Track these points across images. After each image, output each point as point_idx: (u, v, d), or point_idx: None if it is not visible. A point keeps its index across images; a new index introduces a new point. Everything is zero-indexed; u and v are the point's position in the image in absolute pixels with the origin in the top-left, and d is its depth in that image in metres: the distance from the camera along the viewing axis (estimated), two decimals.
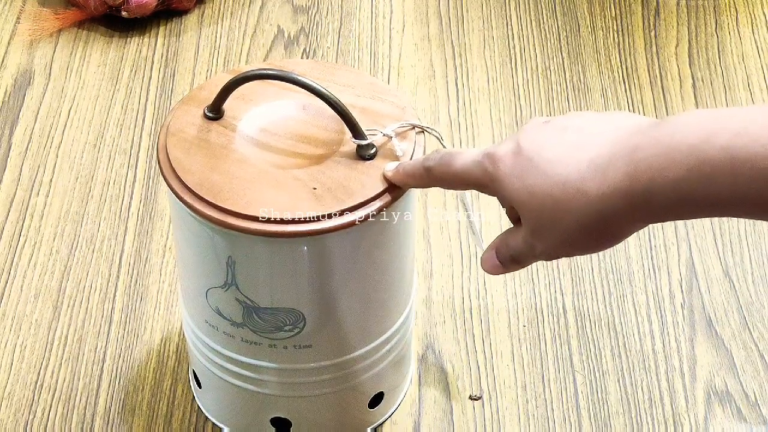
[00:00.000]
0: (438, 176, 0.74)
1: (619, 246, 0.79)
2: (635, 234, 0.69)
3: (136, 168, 1.09)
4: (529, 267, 0.83)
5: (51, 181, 1.08)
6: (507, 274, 0.76)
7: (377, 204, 0.75)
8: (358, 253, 0.77)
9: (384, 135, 0.77)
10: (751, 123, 0.61)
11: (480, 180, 0.71)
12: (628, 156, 0.64)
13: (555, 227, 0.67)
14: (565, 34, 1.23)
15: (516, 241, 0.72)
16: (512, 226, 0.74)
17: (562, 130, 0.68)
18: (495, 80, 1.17)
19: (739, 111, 0.63)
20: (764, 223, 1.05)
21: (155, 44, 1.21)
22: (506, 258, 0.74)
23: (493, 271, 0.75)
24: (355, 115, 0.76)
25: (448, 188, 0.75)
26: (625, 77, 1.18)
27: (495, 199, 0.72)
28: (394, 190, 0.76)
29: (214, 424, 0.91)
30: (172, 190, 0.75)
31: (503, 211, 0.74)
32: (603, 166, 0.65)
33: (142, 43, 1.21)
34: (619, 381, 0.94)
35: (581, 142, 0.67)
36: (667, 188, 0.63)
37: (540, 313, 0.98)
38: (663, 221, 0.67)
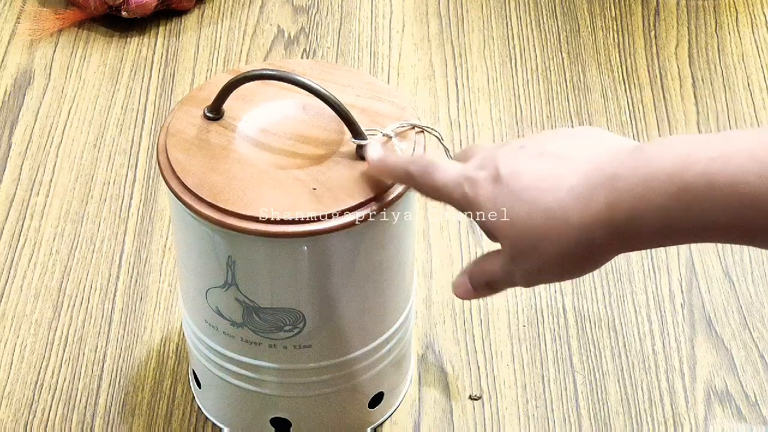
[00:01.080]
0: (418, 185, 0.73)
1: None
2: None
3: (136, 168, 1.09)
4: None
5: (51, 181, 1.08)
6: None
7: (377, 204, 0.75)
8: (358, 253, 0.77)
9: (384, 135, 0.77)
10: (728, 147, 0.60)
11: (458, 202, 0.70)
12: (608, 184, 0.64)
13: (535, 254, 0.67)
14: (565, 34, 1.23)
15: (493, 268, 0.71)
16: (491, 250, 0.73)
17: (538, 156, 0.68)
18: (495, 80, 1.17)
19: (715, 136, 0.62)
20: None
21: (155, 44, 1.21)
22: (480, 284, 0.73)
23: (465, 296, 0.74)
24: (355, 115, 0.76)
25: (427, 198, 0.74)
26: (625, 77, 1.18)
27: None
28: (395, 190, 0.76)
29: (214, 424, 0.91)
30: (172, 191, 0.75)
31: None
32: (584, 195, 0.65)
33: (142, 43, 1.21)
34: (619, 381, 0.94)
35: (558, 169, 0.66)
36: (649, 216, 0.62)
37: (540, 313, 0.98)
38: (647, 249, 0.67)
